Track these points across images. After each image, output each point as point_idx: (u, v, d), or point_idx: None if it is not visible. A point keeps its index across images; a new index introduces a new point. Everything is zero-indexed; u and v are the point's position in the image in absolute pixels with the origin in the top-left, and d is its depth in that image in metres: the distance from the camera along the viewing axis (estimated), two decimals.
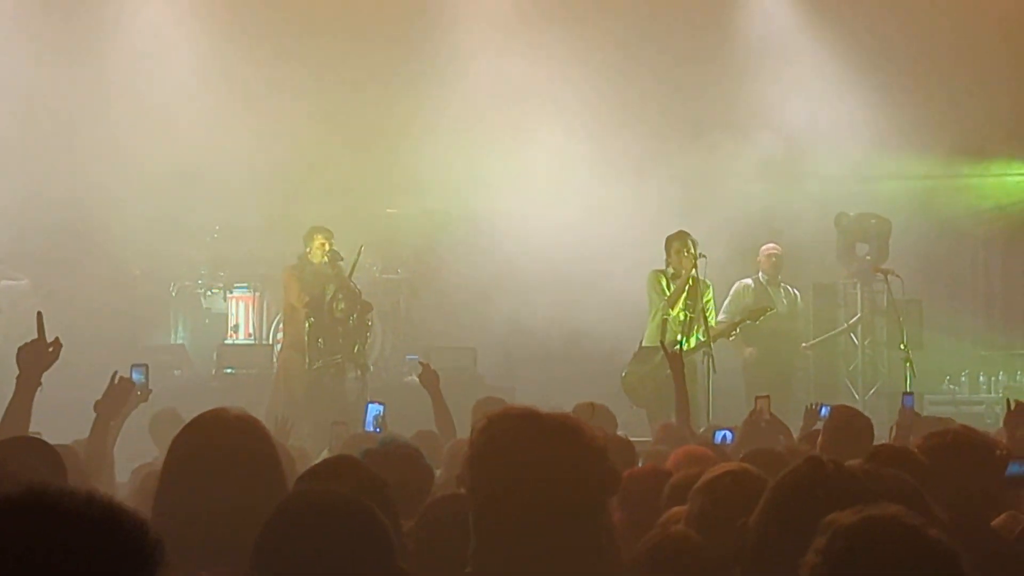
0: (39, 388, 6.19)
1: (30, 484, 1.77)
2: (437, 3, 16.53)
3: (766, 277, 14.84)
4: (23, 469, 4.06)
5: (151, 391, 7.57)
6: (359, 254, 13.37)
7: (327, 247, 13.44)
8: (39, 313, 6.42)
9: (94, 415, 6.70)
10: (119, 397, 6.78)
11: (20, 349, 6.25)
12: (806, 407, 9.55)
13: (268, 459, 3.85)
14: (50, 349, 6.26)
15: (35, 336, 6.27)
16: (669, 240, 13.41)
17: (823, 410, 8.65)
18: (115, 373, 6.80)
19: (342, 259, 13.41)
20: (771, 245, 15.08)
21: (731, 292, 14.67)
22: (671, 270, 13.38)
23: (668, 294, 13.27)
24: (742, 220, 15.75)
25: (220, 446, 3.84)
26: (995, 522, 4.84)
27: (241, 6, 15.91)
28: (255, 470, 3.79)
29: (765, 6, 17.44)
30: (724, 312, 14.47)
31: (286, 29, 15.96)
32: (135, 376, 7.25)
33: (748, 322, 13.85)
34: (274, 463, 3.85)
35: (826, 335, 15.99)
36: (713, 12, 17.05)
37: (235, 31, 15.80)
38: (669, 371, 9.60)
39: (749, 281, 14.79)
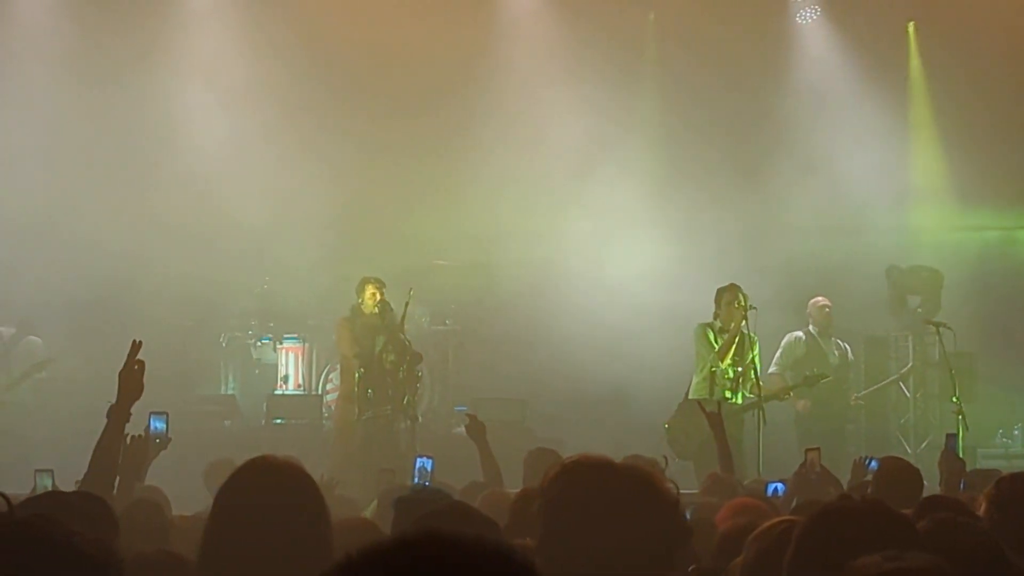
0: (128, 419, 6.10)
1: (425, 527, 1.77)
2: (486, 56, 16.60)
3: (817, 329, 14.67)
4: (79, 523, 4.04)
5: (170, 439, 7.44)
6: (410, 297, 13.35)
7: (378, 297, 13.45)
8: (134, 341, 6.28)
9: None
10: (138, 456, 6.70)
11: (122, 371, 6.14)
12: (855, 460, 9.48)
13: (314, 505, 3.85)
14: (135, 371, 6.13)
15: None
16: (720, 292, 13.37)
17: (871, 463, 8.60)
18: (127, 435, 6.74)
19: (392, 309, 13.42)
20: (821, 298, 14.91)
21: (783, 344, 14.54)
22: (718, 323, 13.33)
23: (716, 347, 13.22)
24: (792, 272, 15.69)
25: (266, 493, 3.84)
26: None
27: (302, 66, 16.01)
28: (301, 517, 3.79)
29: (818, 56, 17.42)
30: (775, 364, 14.39)
31: (340, 88, 16.10)
32: (155, 424, 7.14)
33: (803, 387, 13.82)
34: (320, 510, 3.85)
35: (878, 385, 15.86)
36: (766, 64, 17.03)
37: (293, 87, 15.96)
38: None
39: (800, 334, 14.64)
